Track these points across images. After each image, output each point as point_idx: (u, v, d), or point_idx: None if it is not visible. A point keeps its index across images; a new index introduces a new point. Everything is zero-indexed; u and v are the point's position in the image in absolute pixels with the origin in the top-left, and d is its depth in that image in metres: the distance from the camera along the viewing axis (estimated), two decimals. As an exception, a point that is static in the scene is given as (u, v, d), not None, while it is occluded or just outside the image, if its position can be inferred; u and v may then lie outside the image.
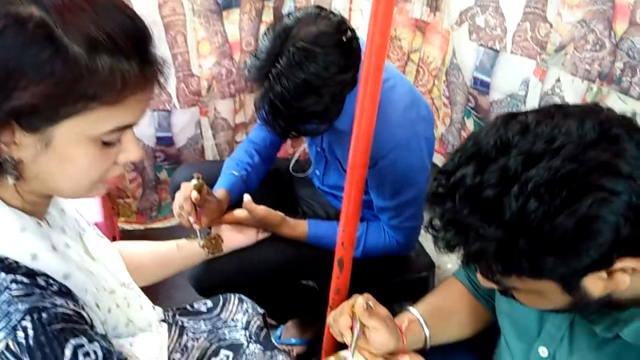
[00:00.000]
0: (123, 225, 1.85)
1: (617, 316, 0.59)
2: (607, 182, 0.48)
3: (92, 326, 0.67)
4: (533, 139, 0.50)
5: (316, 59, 0.90)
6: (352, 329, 0.81)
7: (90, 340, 0.63)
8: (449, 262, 1.81)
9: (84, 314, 0.65)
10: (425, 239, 1.95)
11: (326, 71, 0.91)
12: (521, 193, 0.48)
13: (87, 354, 0.61)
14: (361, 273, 1.13)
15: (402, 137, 1.04)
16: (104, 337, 0.71)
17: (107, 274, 0.74)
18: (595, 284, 0.53)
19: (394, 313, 1.10)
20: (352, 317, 0.82)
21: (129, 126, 0.59)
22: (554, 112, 0.53)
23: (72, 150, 0.56)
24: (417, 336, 0.87)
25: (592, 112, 0.52)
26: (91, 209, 1.45)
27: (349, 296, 1.05)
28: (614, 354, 0.60)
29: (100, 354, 0.63)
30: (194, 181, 1.04)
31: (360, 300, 0.82)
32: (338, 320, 0.83)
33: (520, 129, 0.52)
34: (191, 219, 1.07)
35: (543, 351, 0.71)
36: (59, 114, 0.54)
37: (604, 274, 0.52)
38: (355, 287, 1.07)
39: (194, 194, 1.04)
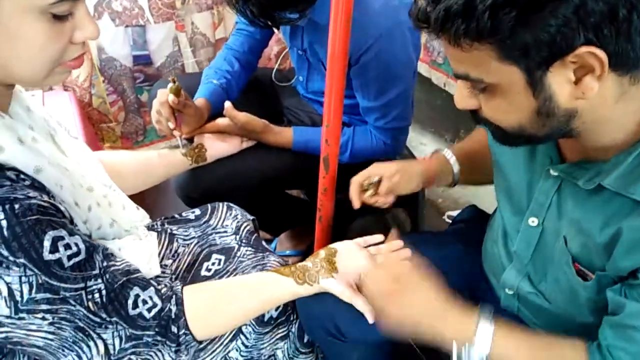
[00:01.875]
0: (108, 150, 1.82)
1: (601, 167, 0.59)
2: None
3: (72, 222, 0.66)
4: None
5: None
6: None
7: (71, 234, 0.62)
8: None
9: (62, 208, 0.63)
10: (415, 149, 1.94)
11: None
12: None
13: (67, 246, 0.60)
14: (349, 179, 1.12)
15: (385, 27, 0.99)
16: (88, 237, 0.70)
17: (84, 172, 0.72)
18: (561, 87, 0.52)
19: (385, 221, 1.10)
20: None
21: None
22: None
23: (20, 25, 0.52)
24: (446, 170, 0.93)
25: None
26: (71, 131, 1.40)
27: (336, 202, 1.05)
28: (599, 205, 0.60)
29: (82, 247, 0.62)
30: (170, 84, 1.00)
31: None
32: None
33: None
34: (170, 125, 1.04)
35: (533, 221, 0.71)
36: None
37: (570, 74, 0.50)
38: (343, 193, 1.06)
39: (171, 97, 1.00)
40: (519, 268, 0.77)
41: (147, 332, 0.67)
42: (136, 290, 0.67)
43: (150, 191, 1.07)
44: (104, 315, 0.63)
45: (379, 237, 0.92)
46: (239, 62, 1.28)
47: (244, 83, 1.30)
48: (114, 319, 0.64)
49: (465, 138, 1.00)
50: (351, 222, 1.62)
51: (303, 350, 0.99)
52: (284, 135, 1.20)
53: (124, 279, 0.67)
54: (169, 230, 1.02)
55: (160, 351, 0.75)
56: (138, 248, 0.87)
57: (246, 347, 0.89)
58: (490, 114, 0.59)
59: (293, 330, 0.95)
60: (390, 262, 0.83)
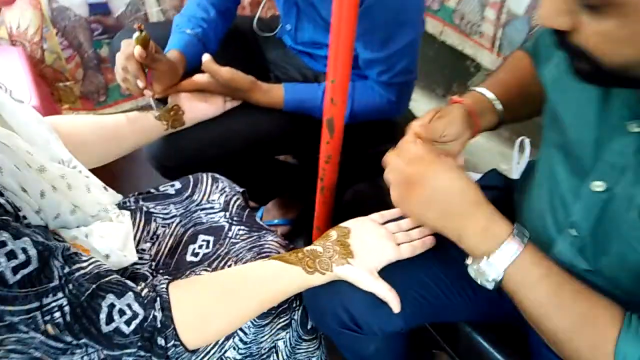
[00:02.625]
0: (68, 112, 1.62)
1: None
2: None
3: (18, 217, 0.50)
4: None
5: None
6: None
7: (16, 236, 0.46)
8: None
9: (2, 201, 0.47)
10: (416, 109, 1.80)
11: None
12: None
13: (12, 254, 0.44)
14: (347, 141, 0.98)
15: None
16: (44, 229, 0.54)
17: (32, 147, 0.56)
18: None
19: (381, 187, 0.95)
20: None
21: None
22: None
23: None
24: (486, 108, 0.79)
25: None
26: (22, 92, 1.21)
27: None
28: None
29: (33, 252, 0.47)
30: (136, 34, 0.82)
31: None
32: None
33: None
34: (140, 84, 0.86)
35: (598, 185, 0.59)
36: None
37: None
38: (340, 157, 0.92)
39: (138, 50, 0.82)
40: (573, 241, 0.65)
41: (127, 351, 0.53)
42: (110, 298, 0.52)
43: (119, 162, 0.90)
44: (68, 339, 0.48)
45: (397, 211, 0.79)
46: (215, 8, 1.09)
47: (222, 33, 1.12)
48: (83, 340, 0.49)
49: (475, 85, 0.85)
50: (344, 190, 1.49)
51: (306, 338, 0.88)
52: (274, 93, 1.04)
53: (93, 286, 0.51)
54: (145, 208, 0.87)
55: (144, 369, 0.61)
56: (109, 232, 0.72)
57: (245, 343, 0.77)
58: (591, 40, 0.45)
59: (295, 317, 0.83)
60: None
